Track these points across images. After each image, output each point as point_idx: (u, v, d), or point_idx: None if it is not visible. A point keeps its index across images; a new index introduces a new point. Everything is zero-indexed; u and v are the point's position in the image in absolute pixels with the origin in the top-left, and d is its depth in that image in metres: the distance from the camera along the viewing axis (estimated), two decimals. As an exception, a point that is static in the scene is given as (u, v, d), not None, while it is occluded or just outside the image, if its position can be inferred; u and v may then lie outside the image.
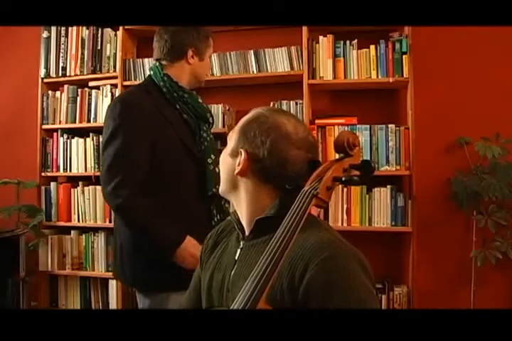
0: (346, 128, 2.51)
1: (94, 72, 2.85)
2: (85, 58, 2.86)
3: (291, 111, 2.62)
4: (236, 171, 1.01)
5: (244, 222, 1.05)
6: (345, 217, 2.51)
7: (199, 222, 1.75)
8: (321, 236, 0.93)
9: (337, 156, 1.05)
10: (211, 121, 1.90)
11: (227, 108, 2.73)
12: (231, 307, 0.87)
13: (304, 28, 2.55)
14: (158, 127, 1.70)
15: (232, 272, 1.02)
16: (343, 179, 0.99)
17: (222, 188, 1.08)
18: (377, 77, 2.51)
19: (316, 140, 1.06)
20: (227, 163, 1.05)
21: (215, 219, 1.80)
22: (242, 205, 1.04)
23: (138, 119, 1.66)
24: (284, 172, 0.99)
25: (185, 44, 1.81)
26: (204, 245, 1.19)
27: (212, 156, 1.78)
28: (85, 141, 2.86)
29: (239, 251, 1.04)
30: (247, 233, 1.04)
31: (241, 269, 1.00)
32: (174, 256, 1.59)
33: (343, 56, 2.54)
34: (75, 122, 2.89)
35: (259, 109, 1.06)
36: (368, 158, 2.47)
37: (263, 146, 0.99)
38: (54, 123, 2.92)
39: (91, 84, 2.88)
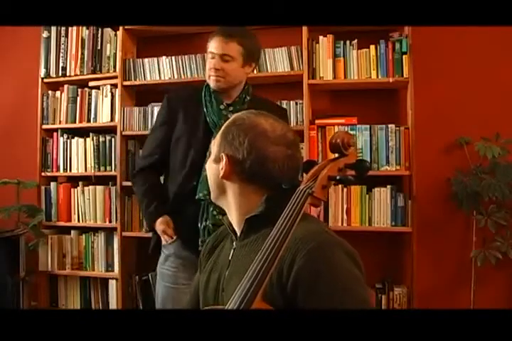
0: (346, 128, 2.51)
1: (94, 72, 2.85)
2: (85, 58, 2.86)
3: (291, 111, 2.62)
4: (220, 175, 1.03)
5: (234, 224, 1.07)
6: (345, 217, 2.51)
7: (185, 220, 1.86)
8: (307, 228, 0.94)
9: (334, 156, 1.06)
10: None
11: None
12: (227, 305, 0.87)
13: (304, 28, 2.55)
14: (177, 126, 1.91)
15: (226, 272, 1.04)
16: (338, 178, 1.00)
17: (212, 194, 1.11)
18: (377, 77, 2.51)
19: (296, 137, 1.07)
20: (212, 169, 1.08)
21: (202, 224, 1.84)
22: (231, 208, 1.06)
23: (164, 115, 1.96)
24: (266, 170, 1.01)
25: None
26: (203, 249, 1.22)
27: None
28: (85, 141, 2.86)
29: (232, 251, 1.06)
30: (238, 233, 1.06)
31: (234, 268, 1.02)
32: (154, 226, 1.91)
33: (343, 56, 2.54)
34: (75, 122, 2.89)
35: (239, 113, 1.09)
36: (368, 158, 2.47)
37: (241, 147, 1.01)
38: (54, 123, 2.92)
39: (91, 84, 2.88)
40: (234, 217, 1.06)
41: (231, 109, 1.90)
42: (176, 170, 1.90)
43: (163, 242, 1.90)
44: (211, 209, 1.81)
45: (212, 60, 1.87)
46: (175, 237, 1.88)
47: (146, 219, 2.00)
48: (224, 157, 1.03)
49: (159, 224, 1.89)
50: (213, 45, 1.86)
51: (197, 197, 1.81)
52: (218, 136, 1.07)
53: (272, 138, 1.01)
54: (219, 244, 1.17)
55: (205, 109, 1.89)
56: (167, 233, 1.88)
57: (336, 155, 1.05)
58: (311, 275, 0.87)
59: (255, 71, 2.65)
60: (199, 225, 1.83)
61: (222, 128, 1.08)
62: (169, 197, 1.91)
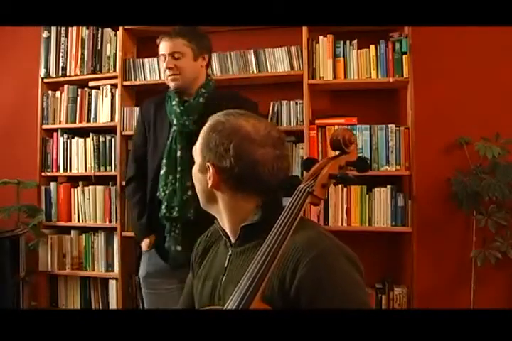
0: (346, 128, 2.51)
1: (94, 72, 2.85)
2: (85, 58, 2.86)
3: (291, 111, 2.63)
4: (209, 185, 1.00)
5: (227, 230, 1.04)
6: (345, 217, 2.51)
7: (157, 222, 1.94)
8: (307, 235, 0.93)
9: (335, 153, 1.05)
10: (174, 127, 1.92)
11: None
12: (226, 305, 0.87)
13: (304, 28, 2.55)
14: (150, 130, 2.00)
15: (223, 280, 1.02)
16: (339, 176, 0.99)
17: (201, 202, 1.07)
18: (377, 77, 2.51)
19: (281, 134, 1.02)
20: (199, 179, 1.04)
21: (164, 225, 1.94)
22: (223, 216, 1.04)
23: (139, 123, 2.08)
24: (257, 175, 0.97)
25: None
26: (194, 251, 1.19)
27: (164, 161, 1.90)
28: (85, 141, 2.86)
29: (228, 258, 1.03)
30: (232, 240, 1.04)
31: (231, 276, 1.00)
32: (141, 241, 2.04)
33: (343, 56, 2.54)
34: (75, 122, 2.89)
35: (216, 116, 1.03)
36: (368, 158, 2.47)
37: (227, 154, 0.96)
38: (54, 123, 2.92)
39: (91, 84, 2.88)
40: (226, 224, 1.04)
41: (186, 104, 1.94)
42: (150, 172, 1.97)
43: (143, 248, 2.03)
44: (162, 203, 1.90)
45: (164, 62, 1.93)
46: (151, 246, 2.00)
47: (135, 232, 2.09)
48: (210, 167, 0.98)
49: (144, 243, 2.01)
50: (162, 47, 1.93)
51: (157, 194, 1.91)
52: (199, 144, 1.02)
53: (257, 140, 0.97)
54: (211, 247, 1.14)
55: (167, 108, 1.97)
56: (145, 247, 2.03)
57: (337, 152, 1.04)
58: (313, 283, 0.87)
59: (255, 71, 2.66)
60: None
61: (202, 134, 1.02)
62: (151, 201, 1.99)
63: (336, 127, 2.52)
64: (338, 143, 1.01)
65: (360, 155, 2.20)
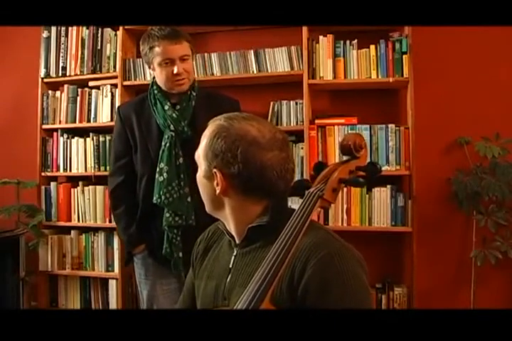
0: (346, 128, 2.51)
1: (94, 71, 2.85)
2: (85, 58, 2.86)
3: (291, 111, 2.63)
4: (217, 192, 0.99)
5: (233, 231, 1.04)
6: (345, 217, 2.51)
7: (151, 225, 1.91)
8: (316, 236, 0.93)
9: (345, 158, 1.06)
10: (171, 133, 1.86)
11: (227, 108, 2.72)
12: (236, 306, 0.87)
13: (304, 28, 2.55)
14: (133, 135, 1.92)
15: (228, 280, 1.02)
16: (349, 181, 0.99)
17: (208, 208, 1.06)
18: (377, 77, 2.51)
19: (284, 135, 1.01)
20: (205, 186, 1.02)
21: (160, 228, 1.88)
22: (229, 220, 1.03)
23: (119, 128, 1.96)
24: (267, 179, 0.96)
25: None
26: (195, 250, 1.19)
27: (162, 165, 1.84)
28: (85, 140, 2.86)
29: (233, 258, 1.03)
30: (237, 240, 1.03)
31: (237, 277, 1.00)
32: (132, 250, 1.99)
33: (343, 56, 2.54)
34: (75, 122, 2.89)
35: (217, 120, 1.01)
36: (368, 158, 2.47)
37: (235, 161, 0.95)
38: (54, 123, 2.92)
39: (91, 84, 2.88)
40: (232, 225, 1.03)
41: (178, 107, 1.89)
42: (140, 177, 1.93)
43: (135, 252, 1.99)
44: (165, 211, 1.84)
45: (171, 66, 1.83)
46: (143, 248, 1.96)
47: (125, 242, 2.03)
48: (218, 173, 0.97)
49: (136, 252, 1.97)
50: (167, 52, 1.82)
51: (154, 201, 1.84)
52: (202, 150, 1.00)
53: (263, 144, 0.95)
54: (212, 246, 1.14)
55: (153, 113, 1.90)
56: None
57: (347, 157, 1.04)
58: (321, 283, 0.87)
59: (255, 71, 2.66)
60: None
61: (206, 140, 1.00)
62: (139, 205, 1.93)
63: (336, 127, 2.52)
64: (348, 148, 1.01)
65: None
